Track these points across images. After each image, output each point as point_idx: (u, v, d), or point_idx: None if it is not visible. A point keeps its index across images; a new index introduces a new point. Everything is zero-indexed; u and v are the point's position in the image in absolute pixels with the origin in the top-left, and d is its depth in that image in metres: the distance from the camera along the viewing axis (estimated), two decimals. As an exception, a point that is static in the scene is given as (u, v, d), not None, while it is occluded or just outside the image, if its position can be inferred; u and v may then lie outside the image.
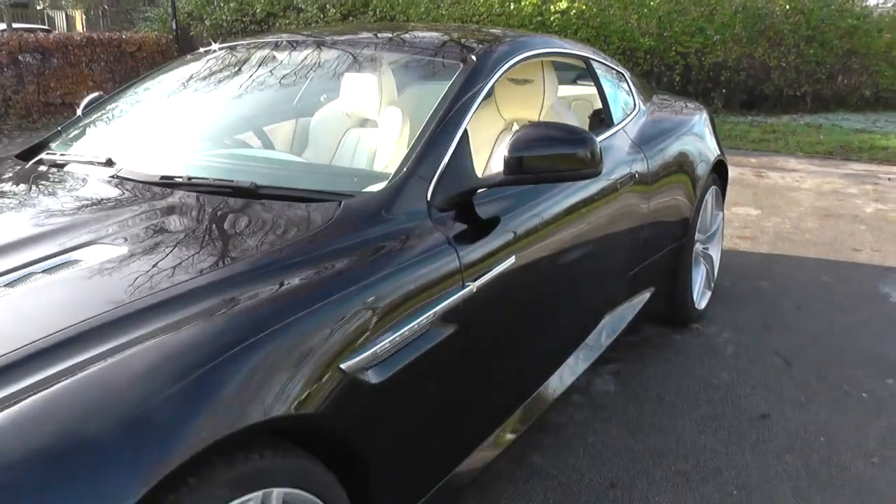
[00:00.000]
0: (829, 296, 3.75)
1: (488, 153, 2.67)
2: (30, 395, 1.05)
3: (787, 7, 10.73)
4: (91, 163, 2.05)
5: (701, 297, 3.43)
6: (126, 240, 1.54)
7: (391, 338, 1.44)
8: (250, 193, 1.75)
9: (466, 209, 1.81)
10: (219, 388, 1.14)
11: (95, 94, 2.71)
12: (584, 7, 10.71)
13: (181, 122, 2.43)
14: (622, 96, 3.03)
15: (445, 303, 1.59)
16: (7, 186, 2.03)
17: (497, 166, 1.83)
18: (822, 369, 2.97)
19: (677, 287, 3.19)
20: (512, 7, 10.93)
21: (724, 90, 10.82)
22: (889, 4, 12.74)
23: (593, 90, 2.94)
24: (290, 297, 1.34)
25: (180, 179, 1.86)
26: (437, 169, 1.78)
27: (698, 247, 3.39)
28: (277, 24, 12.30)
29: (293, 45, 2.60)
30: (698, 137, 3.35)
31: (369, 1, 11.74)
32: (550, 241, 2.08)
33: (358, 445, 1.40)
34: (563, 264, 2.20)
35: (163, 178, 1.87)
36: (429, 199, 1.74)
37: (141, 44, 11.71)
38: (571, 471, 2.29)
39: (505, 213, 1.90)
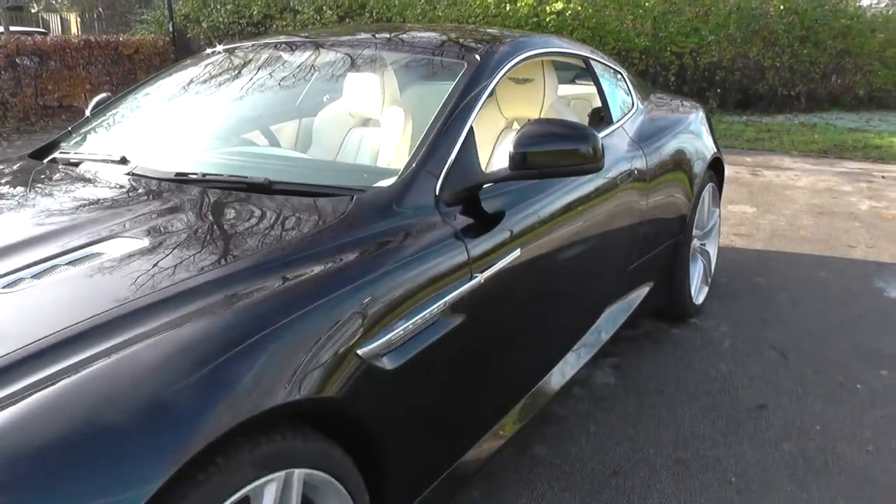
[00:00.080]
0: (824, 291, 3.81)
1: (490, 150, 2.72)
2: (54, 383, 1.08)
3: (782, 7, 10.81)
4: (105, 161, 2.09)
5: (698, 293, 3.49)
6: (147, 233, 1.58)
7: (404, 326, 1.49)
8: (264, 189, 1.80)
9: (473, 204, 1.87)
10: (242, 374, 1.18)
11: (104, 95, 2.75)
12: (579, 8, 10.78)
13: (190, 121, 2.48)
14: (621, 95, 3.08)
15: (455, 293, 1.64)
16: (25, 184, 2.07)
17: (499, 163, 1.88)
18: (818, 362, 3.03)
19: (675, 282, 3.24)
20: (508, 8, 10.99)
21: (719, 90, 10.90)
22: (882, 5, 12.84)
23: (592, 89, 2.99)
24: (310, 285, 1.39)
25: (195, 176, 1.91)
26: (445, 164, 1.84)
27: (696, 243, 3.44)
28: (274, 27, 12.33)
29: (297, 47, 2.65)
30: (695, 135, 3.41)
31: (366, 3, 11.79)
32: (553, 235, 2.14)
33: (373, 429, 1.45)
34: (566, 258, 2.25)
35: (178, 174, 1.92)
36: (437, 193, 1.79)
37: (138, 46, 11.74)
38: (574, 460, 2.34)
39: (509, 209, 1.96)
